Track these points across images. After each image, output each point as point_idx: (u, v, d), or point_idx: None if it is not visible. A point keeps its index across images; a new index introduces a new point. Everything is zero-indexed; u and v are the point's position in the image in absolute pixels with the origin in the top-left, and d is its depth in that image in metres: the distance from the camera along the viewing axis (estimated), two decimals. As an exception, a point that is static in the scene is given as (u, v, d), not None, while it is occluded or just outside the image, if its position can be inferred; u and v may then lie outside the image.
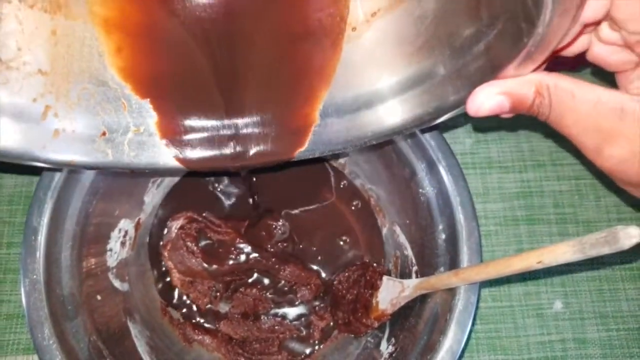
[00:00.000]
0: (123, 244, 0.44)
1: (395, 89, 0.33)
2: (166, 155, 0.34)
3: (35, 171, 0.36)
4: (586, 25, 0.25)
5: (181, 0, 0.29)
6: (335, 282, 0.46)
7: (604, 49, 0.27)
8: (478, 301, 0.35)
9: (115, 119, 0.32)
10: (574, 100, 0.25)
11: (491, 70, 0.27)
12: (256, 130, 0.34)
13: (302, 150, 0.35)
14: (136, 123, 0.33)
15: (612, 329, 0.46)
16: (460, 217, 0.37)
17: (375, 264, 0.46)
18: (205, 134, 0.34)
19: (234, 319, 0.46)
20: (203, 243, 0.46)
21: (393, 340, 0.41)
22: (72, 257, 0.38)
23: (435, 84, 0.31)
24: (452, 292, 0.35)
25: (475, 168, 0.51)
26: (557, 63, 0.27)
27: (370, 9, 0.31)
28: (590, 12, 0.23)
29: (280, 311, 0.47)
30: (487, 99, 0.26)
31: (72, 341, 0.36)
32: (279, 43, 0.31)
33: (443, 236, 0.39)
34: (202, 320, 0.46)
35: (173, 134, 0.34)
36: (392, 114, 0.33)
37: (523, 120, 0.51)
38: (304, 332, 0.46)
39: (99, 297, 0.40)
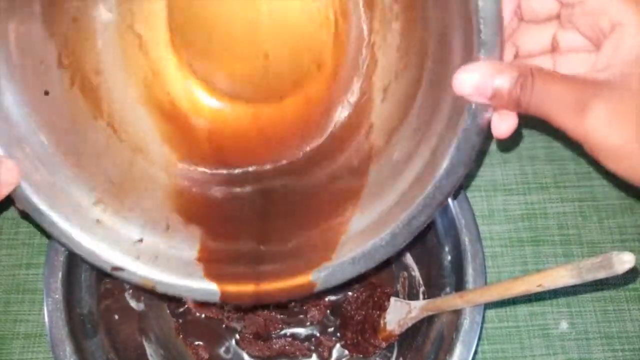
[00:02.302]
0: (139, 265, 0.46)
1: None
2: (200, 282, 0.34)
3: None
4: None
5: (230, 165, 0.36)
6: (343, 303, 0.47)
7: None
8: (483, 321, 0.36)
9: (155, 238, 0.34)
10: (553, 79, 0.26)
11: None
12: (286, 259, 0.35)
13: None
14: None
15: (618, 349, 0.47)
16: (465, 239, 0.38)
17: (383, 285, 0.47)
18: (239, 265, 0.34)
19: (245, 338, 0.47)
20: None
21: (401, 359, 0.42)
22: (91, 277, 0.40)
23: None
24: (457, 312, 0.36)
25: (481, 191, 0.52)
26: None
27: (388, 131, 0.34)
28: None
29: (291, 331, 0.48)
30: (471, 77, 0.25)
31: (91, 359, 0.37)
32: (315, 187, 0.36)
33: (449, 258, 0.40)
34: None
35: (209, 262, 0.34)
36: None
37: (526, 144, 0.53)
38: (314, 353, 0.47)
39: (116, 317, 0.42)
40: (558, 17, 0.30)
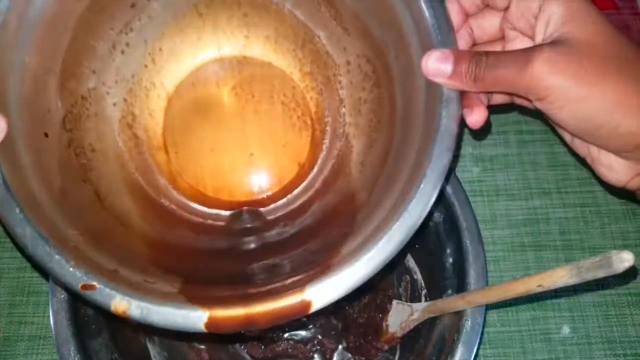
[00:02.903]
0: (143, 267, 0.46)
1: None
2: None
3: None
4: None
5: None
6: (346, 306, 0.47)
7: None
8: (485, 323, 0.36)
9: (132, 274, 0.31)
10: (504, 52, 0.29)
11: None
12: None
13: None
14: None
15: (620, 354, 0.47)
16: (466, 241, 0.39)
17: (385, 288, 0.47)
18: (225, 291, 0.32)
19: (248, 341, 0.47)
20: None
21: (403, 362, 0.43)
22: (96, 278, 0.40)
23: None
24: (459, 314, 0.37)
25: (483, 195, 0.52)
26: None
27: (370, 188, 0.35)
28: None
29: (293, 334, 0.48)
30: (433, 60, 0.29)
31: (96, 359, 0.38)
32: (297, 241, 0.37)
33: (450, 260, 0.40)
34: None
35: (191, 291, 0.31)
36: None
37: (528, 149, 0.53)
38: (316, 355, 0.47)
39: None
40: (502, 36, 0.33)
